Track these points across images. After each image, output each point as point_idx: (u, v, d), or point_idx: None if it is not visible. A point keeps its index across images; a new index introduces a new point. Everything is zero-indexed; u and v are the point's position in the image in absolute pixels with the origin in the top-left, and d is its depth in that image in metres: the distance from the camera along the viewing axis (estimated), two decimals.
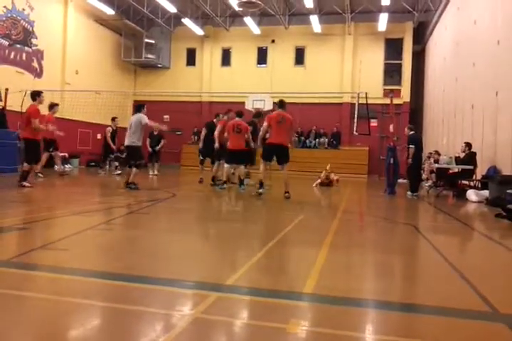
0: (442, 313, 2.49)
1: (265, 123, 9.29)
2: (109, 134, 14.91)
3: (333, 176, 13.50)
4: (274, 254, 3.92)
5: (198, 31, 24.96)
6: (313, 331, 2.18)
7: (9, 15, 18.18)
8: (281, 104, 9.69)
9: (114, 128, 14.98)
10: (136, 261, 3.42)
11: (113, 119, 15.23)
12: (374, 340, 2.13)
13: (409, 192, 10.76)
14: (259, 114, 12.16)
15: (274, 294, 2.71)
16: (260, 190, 9.07)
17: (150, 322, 2.19)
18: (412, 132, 11.22)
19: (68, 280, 2.86)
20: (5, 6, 17.95)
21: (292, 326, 2.18)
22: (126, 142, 9.69)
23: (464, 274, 3.30)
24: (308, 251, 4.10)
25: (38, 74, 19.92)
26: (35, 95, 9.45)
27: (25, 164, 9.15)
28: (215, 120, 12.13)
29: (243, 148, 10.39)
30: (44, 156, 12.08)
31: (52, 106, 12.34)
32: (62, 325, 2.16)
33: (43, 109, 11.01)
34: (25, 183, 8.90)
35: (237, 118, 10.64)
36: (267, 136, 9.47)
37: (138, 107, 9.99)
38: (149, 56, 25.39)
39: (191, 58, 26.70)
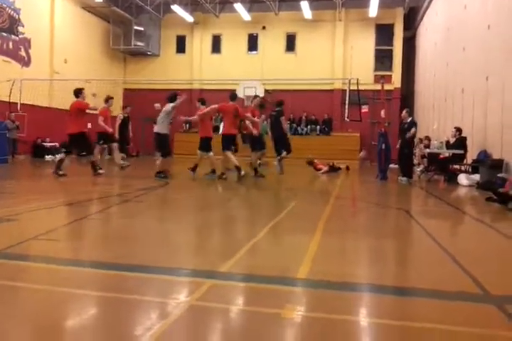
0: (435, 296, 2.52)
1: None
2: (119, 122, 13.71)
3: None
4: (267, 241, 3.94)
5: (188, 18, 24.66)
6: (308, 316, 2.20)
7: None
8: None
9: (126, 115, 14.05)
10: (130, 250, 3.42)
11: (124, 107, 14.47)
12: (368, 323, 2.16)
13: (402, 177, 10.78)
14: (262, 105, 12.27)
15: (268, 280, 2.72)
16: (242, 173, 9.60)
17: (145, 311, 2.20)
18: (410, 117, 11.27)
19: (63, 271, 2.86)
20: None
21: (287, 311, 2.19)
22: (155, 129, 9.84)
23: (455, 258, 3.34)
24: (301, 237, 4.12)
25: (26, 63, 19.65)
26: (78, 92, 10.02)
27: (88, 157, 10.07)
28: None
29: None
30: (97, 150, 11.83)
31: (107, 100, 12.09)
32: (58, 314, 2.16)
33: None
34: (60, 172, 9.59)
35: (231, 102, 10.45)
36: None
37: (171, 97, 9.86)
38: (138, 44, 25.11)
39: (181, 45, 26.43)
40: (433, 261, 3.37)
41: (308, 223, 4.87)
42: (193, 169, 10.34)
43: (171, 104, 9.64)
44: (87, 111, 10.08)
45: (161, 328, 1.97)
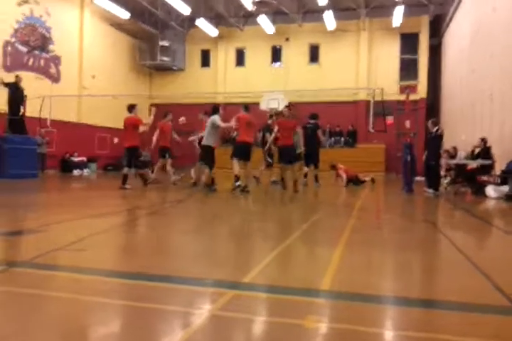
0: (462, 309, 2.46)
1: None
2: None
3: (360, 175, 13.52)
4: (290, 252, 3.92)
5: (212, 32, 25.07)
6: (331, 327, 2.17)
7: (27, 21, 18.54)
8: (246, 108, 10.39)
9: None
10: (154, 260, 3.46)
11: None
12: (393, 336, 2.12)
13: (428, 189, 10.58)
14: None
15: (291, 291, 2.71)
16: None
17: (167, 320, 2.21)
18: (436, 127, 10.77)
19: (89, 280, 2.91)
20: (23, 13, 18.30)
21: (309, 322, 2.18)
22: (203, 142, 10.00)
23: (483, 270, 3.26)
24: (324, 249, 4.09)
25: (56, 79, 20.26)
26: (131, 108, 10.55)
27: (127, 169, 10.36)
28: (269, 121, 12.35)
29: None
30: (159, 163, 12.25)
31: (166, 115, 12.40)
32: (84, 322, 2.19)
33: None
34: (126, 186, 10.09)
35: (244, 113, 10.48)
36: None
37: (213, 109, 10.03)
38: (164, 58, 25.62)
39: (206, 59, 26.86)
40: (460, 274, 3.30)
41: (332, 235, 4.83)
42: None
43: (216, 116, 9.74)
44: (140, 127, 10.52)
45: (183, 337, 1.98)
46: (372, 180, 14.23)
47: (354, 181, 13.00)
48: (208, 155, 9.91)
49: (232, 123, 9.97)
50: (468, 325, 2.23)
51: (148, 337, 1.99)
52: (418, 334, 2.10)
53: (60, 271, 3.14)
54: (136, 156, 10.53)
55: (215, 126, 9.72)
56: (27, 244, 4.14)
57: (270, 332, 2.12)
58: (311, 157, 12.39)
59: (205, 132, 9.90)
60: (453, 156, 13.43)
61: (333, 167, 13.55)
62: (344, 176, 12.89)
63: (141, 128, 10.56)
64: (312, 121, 12.60)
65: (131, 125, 10.35)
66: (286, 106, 10.87)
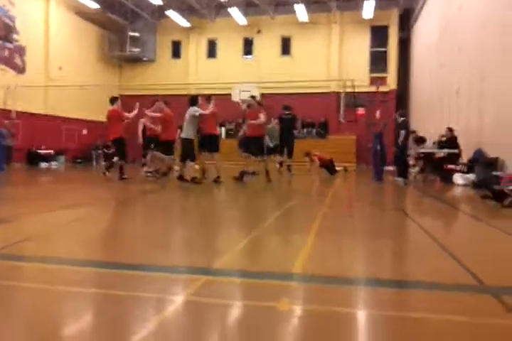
0: (432, 288, 2.52)
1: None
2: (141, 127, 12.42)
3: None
4: (263, 239, 3.93)
5: (183, 23, 24.75)
6: (304, 308, 2.18)
7: None
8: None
9: None
10: (124, 249, 3.41)
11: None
12: (365, 315, 2.15)
13: (397, 178, 10.78)
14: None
15: (263, 275, 2.71)
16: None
17: (141, 306, 2.18)
18: (402, 118, 11.15)
19: (60, 270, 2.85)
20: None
21: (283, 304, 2.18)
22: (182, 135, 9.61)
23: (452, 252, 3.33)
24: (296, 235, 4.11)
25: (21, 70, 19.66)
26: (114, 100, 10.41)
27: (120, 161, 10.24)
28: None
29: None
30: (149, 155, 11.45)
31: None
32: (56, 311, 2.14)
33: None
34: (125, 176, 10.05)
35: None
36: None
37: (192, 100, 9.71)
38: (134, 49, 25.18)
39: (177, 50, 26.52)
40: (429, 256, 3.36)
41: (304, 222, 4.86)
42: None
43: (195, 108, 9.46)
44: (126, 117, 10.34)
45: (157, 322, 1.95)
46: (345, 169, 14.42)
47: (328, 166, 13.22)
48: (190, 149, 9.60)
49: (209, 110, 9.70)
50: (438, 303, 2.28)
51: (122, 323, 1.96)
52: (391, 313, 2.14)
53: (28, 262, 3.06)
54: (119, 148, 10.30)
55: (195, 117, 9.44)
56: None
57: (244, 315, 2.12)
58: (288, 147, 12.52)
59: (185, 124, 9.54)
60: (419, 140, 13.48)
61: (308, 154, 13.85)
62: (317, 161, 13.26)
63: (127, 118, 10.41)
64: (287, 112, 12.71)
65: (115, 117, 10.15)
66: (252, 97, 10.78)
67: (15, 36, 19.31)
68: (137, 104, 10.69)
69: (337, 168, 13.98)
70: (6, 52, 18.89)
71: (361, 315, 2.14)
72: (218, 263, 2.92)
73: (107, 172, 10.29)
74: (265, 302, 2.22)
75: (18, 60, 19.52)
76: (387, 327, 2.01)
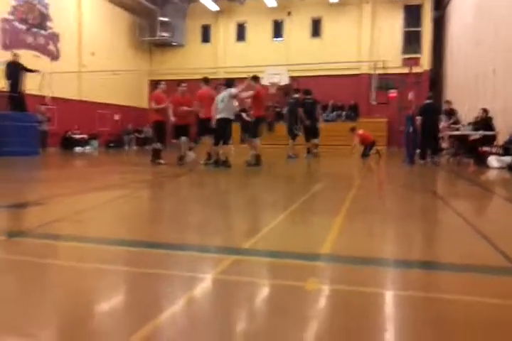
0: (463, 270, 2.47)
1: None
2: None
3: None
4: (291, 220, 3.92)
5: (213, 7, 24.61)
6: (332, 288, 2.18)
7: None
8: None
9: None
10: (155, 229, 3.47)
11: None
12: (394, 296, 2.12)
13: (420, 160, 10.88)
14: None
15: (292, 255, 2.72)
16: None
17: (171, 284, 2.23)
18: (427, 101, 11.15)
19: (92, 249, 2.92)
20: None
21: (310, 284, 2.18)
22: (221, 115, 9.21)
23: (485, 235, 3.25)
24: (325, 216, 4.09)
25: (55, 57, 20.03)
26: (156, 84, 10.63)
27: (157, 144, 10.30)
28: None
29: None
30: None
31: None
32: (87, 287, 2.20)
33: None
34: (160, 161, 10.04)
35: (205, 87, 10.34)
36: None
37: (228, 83, 9.55)
38: (164, 34, 25.23)
39: (206, 35, 26.46)
40: (462, 238, 3.30)
41: (333, 204, 4.83)
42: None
43: (233, 89, 9.27)
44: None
45: (186, 300, 1.99)
46: (378, 153, 14.25)
47: (366, 148, 13.48)
48: (227, 129, 9.35)
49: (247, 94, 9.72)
50: (469, 285, 2.24)
51: (152, 299, 2.00)
52: (419, 294, 2.11)
53: (61, 241, 3.16)
54: (156, 131, 10.57)
55: (232, 97, 9.22)
56: (28, 215, 4.16)
57: (271, 294, 2.13)
58: (312, 131, 12.67)
59: (222, 105, 9.15)
60: (451, 113, 13.19)
61: (352, 130, 14.01)
62: (357, 138, 13.16)
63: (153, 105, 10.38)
64: (309, 97, 12.80)
65: (153, 101, 10.30)
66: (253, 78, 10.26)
67: (48, 23, 19.63)
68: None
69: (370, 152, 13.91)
70: (41, 40, 19.24)
71: (389, 296, 2.12)
72: (247, 243, 2.94)
73: (161, 160, 10.05)
74: (293, 282, 2.23)
75: (52, 47, 19.87)
76: (416, 307, 1.98)
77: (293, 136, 13.02)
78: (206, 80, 10.45)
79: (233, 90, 9.26)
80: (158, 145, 10.29)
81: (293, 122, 12.84)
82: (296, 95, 13.23)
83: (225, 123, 9.24)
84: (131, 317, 1.83)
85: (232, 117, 9.35)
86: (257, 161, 9.59)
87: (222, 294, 2.09)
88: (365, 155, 13.62)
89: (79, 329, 1.69)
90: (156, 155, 10.15)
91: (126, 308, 1.96)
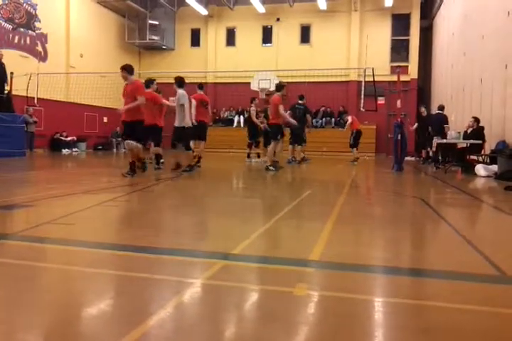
0: (451, 277, 2.48)
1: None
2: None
3: None
4: (281, 225, 3.92)
5: (202, 11, 24.66)
6: (320, 294, 2.18)
7: None
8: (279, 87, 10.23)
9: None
10: (143, 233, 3.44)
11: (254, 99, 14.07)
12: (382, 303, 2.13)
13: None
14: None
15: (281, 261, 2.71)
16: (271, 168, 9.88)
17: (159, 288, 2.21)
18: (438, 111, 11.81)
19: (80, 252, 2.89)
20: None
21: (299, 289, 2.18)
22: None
23: (473, 242, 3.28)
24: (315, 222, 4.09)
25: (43, 57, 19.86)
26: (149, 83, 10.06)
27: (156, 148, 9.77)
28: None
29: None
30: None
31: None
32: (74, 290, 2.18)
33: None
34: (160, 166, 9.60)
35: (200, 92, 10.59)
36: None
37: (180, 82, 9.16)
38: (153, 37, 25.19)
39: (196, 39, 26.47)
40: (449, 245, 3.32)
41: (323, 209, 4.84)
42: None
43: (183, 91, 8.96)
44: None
45: (174, 304, 1.97)
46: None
47: (355, 138, 13.95)
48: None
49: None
50: (457, 293, 2.25)
51: (139, 304, 1.98)
52: (407, 301, 2.12)
53: (49, 244, 3.11)
54: (145, 133, 9.14)
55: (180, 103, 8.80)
56: (16, 217, 4.10)
57: (260, 299, 2.12)
58: (299, 137, 12.80)
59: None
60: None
61: (345, 112, 15.01)
62: (350, 120, 14.13)
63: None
64: (301, 102, 12.89)
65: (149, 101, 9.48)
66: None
67: (36, 24, 19.47)
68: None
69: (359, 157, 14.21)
70: (28, 40, 19.08)
71: (378, 303, 2.12)
72: (237, 248, 2.93)
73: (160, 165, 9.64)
74: (282, 288, 2.22)
75: (39, 48, 19.71)
76: (405, 314, 1.98)
77: (300, 141, 13.27)
78: (201, 86, 10.72)
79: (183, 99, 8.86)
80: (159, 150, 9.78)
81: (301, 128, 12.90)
82: (301, 101, 13.29)
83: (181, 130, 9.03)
84: (119, 321, 1.80)
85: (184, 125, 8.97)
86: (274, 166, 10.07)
87: (211, 299, 2.08)
88: (353, 146, 13.92)
89: (65, 334, 1.66)
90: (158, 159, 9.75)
91: (114, 312, 1.94)
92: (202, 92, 10.65)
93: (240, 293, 2.18)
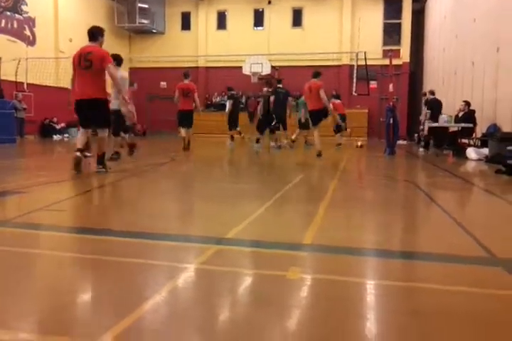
0: (442, 260, 2.51)
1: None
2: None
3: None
4: (274, 210, 3.94)
5: None
6: (313, 277, 2.20)
7: None
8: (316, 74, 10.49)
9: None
10: (135, 218, 3.44)
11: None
12: (374, 285, 2.15)
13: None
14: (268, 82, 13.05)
15: (274, 245, 2.73)
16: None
17: (153, 273, 2.22)
18: (432, 96, 11.65)
19: (72, 238, 2.89)
20: None
21: (292, 273, 2.20)
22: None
23: (464, 225, 3.32)
24: (307, 206, 4.11)
25: (31, 42, 19.53)
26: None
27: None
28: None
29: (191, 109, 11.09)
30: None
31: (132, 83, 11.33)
32: (68, 276, 2.18)
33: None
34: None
35: (185, 81, 10.89)
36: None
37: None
38: (143, 21, 24.81)
39: (186, 22, 26.10)
40: (440, 228, 3.36)
41: (315, 194, 4.86)
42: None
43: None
44: None
45: (169, 288, 1.98)
46: (361, 146, 14.40)
47: (341, 119, 13.68)
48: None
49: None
50: (448, 275, 2.28)
51: (134, 289, 1.99)
52: (399, 284, 2.15)
53: (40, 230, 3.11)
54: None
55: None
56: (7, 204, 4.08)
57: (253, 284, 2.14)
58: (281, 121, 12.80)
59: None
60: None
61: (338, 96, 14.75)
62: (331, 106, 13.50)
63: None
64: (280, 86, 12.97)
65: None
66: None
67: (24, 7, 19.10)
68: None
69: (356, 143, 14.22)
70: (16, 24, 18.73)
71: (370, 285, 2.14)
72: (230, 233, 2.94)
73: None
74: (275, 271, 2.24)
75: (27, 32, 19.37)
76: (396, 296, 2.01)
77: (284, 126, 13.17)
78: (186, 75, 10.99)
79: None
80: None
81: (282, 112, 12.83)
82: (280, 85, 13.21)
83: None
84: (113, 307, 1.81)
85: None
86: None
87: (205, 284, 2.09)
88: (337, 131, 14.03)
89: (60, 319, 1.67)
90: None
91: (109, 298, 1.94)
92: (187, 81, 10.90)
93: (234, 278, 2.19)
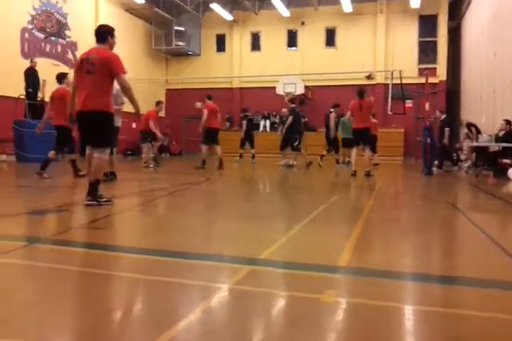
0: (483, 285, 2.41)
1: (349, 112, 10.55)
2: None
3: None
4: (309, 230, 3.90)
5: (227, 16, 24.81)
6: (348, 301, 2.15)
7: (44, 8, 18.53)
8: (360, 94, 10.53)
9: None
10: (171, 238, 3.47)
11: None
12: (412, 310, 2.09)
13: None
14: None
15: (308, 267, 2.69)
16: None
17: (187, 293, 2.22)
18: (444, 115, 11.45)
19: (110, 256, 2.93)
20: (40, 0, 18.31)
21: (327, 296, 2.15)
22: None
23: (506, 249, 3.19)
24: (343, 227, 4.05)
25: (73, 65, 20.30)
26: (61, 77, 9.29)
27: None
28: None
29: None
30: (146, 148, 12.59)
31: (158, 103, 13.14)
32: (104, 294, 2.21)
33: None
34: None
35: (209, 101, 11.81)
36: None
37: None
38: (179, 43, 25.43)
39: (221, 44, 26.61)
40: (481, 252, 3.24)
41: (351, 214, 4.79)
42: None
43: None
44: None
45: (203, 308, 1.98)
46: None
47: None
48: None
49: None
50: (490, 301, 2.18)
51: (168, 308, 2.00)
52: (438, 309, 2.06)
53: (79, 248, 3.17)
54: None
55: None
56: (48, 222, 4.20)
57: (287, 306, 2.11)
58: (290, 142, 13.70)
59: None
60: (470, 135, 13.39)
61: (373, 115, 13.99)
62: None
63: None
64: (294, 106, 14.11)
65: (58, 98, 8.60)
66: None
67: (67, 32, 19.95)
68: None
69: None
70: (59, 48, 19.56)
71: (407, 310, 2.08)
72: (264, 253, 2.92)
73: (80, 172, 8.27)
74: (309, 294, 2.20)
75: (70, 55, 20.18)
76: (435, 323, 1.94)
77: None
78: (210, 97, 11.94)
79: None
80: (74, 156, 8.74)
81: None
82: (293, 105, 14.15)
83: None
84: (148, 325, 1.82)
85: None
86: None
87: (238, 304, 2.08)
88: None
89: (97, 337, 1.68)
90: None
91: (143, 317, 1.96)
92: (211, 102, 11.79)
93: (267, 299, 2.17)
